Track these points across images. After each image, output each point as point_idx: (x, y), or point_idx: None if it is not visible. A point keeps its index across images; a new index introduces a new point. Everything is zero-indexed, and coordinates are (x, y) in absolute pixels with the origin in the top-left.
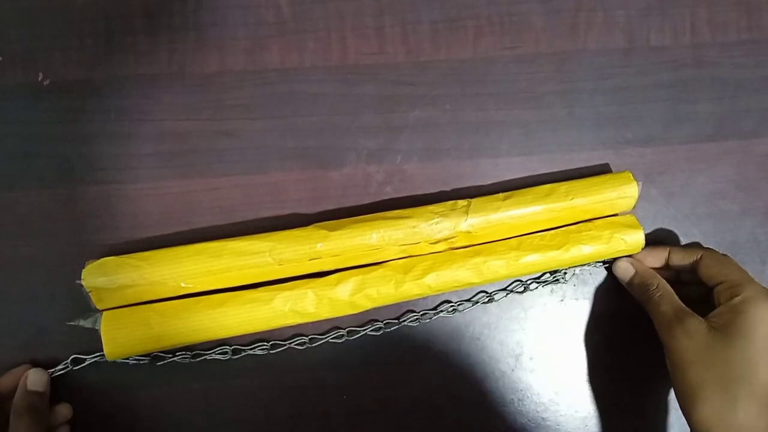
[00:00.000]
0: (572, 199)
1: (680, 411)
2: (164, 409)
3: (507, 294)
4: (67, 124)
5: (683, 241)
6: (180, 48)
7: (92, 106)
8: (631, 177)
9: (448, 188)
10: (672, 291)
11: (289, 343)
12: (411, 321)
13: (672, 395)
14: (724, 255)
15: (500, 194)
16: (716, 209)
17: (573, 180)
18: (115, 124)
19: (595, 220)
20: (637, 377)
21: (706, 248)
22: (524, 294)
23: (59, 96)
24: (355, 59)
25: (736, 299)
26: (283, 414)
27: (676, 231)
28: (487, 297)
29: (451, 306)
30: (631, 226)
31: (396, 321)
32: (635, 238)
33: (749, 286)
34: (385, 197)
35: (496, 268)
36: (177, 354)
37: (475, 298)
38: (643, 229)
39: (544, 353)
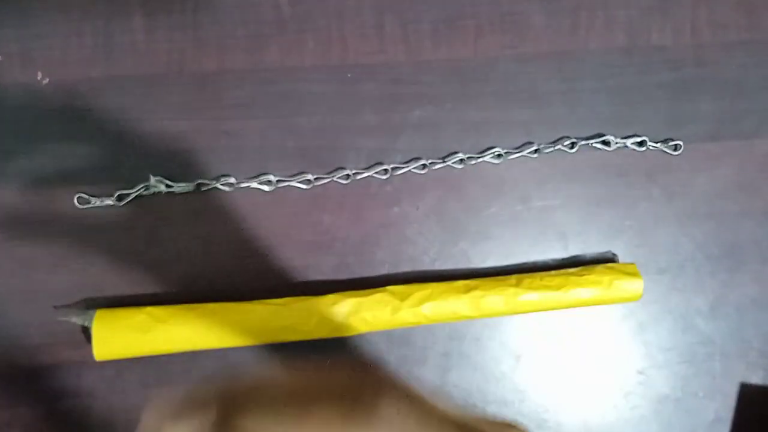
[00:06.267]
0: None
1: (683, 407)
2: None
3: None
4: (66, 124)
5: (683, 240)
6: (179, 47)
7: (92, 106)
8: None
9: (448, 187)
10: None
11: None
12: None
13: (672, 394)
14: None
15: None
16: (717, 209)
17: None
18: (115, 124)
19: (595, 266)
20: (638, 377)
21: None
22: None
23: (59, 96)
24: (355, 58)
25: None
26: None
27: (676, 231)
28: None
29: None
30: (631, 274)
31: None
32: (635, 287)
33: None
34: (386, 196)
35: (494, 303)
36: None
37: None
38: (643, 277)
39: (545, 354)
